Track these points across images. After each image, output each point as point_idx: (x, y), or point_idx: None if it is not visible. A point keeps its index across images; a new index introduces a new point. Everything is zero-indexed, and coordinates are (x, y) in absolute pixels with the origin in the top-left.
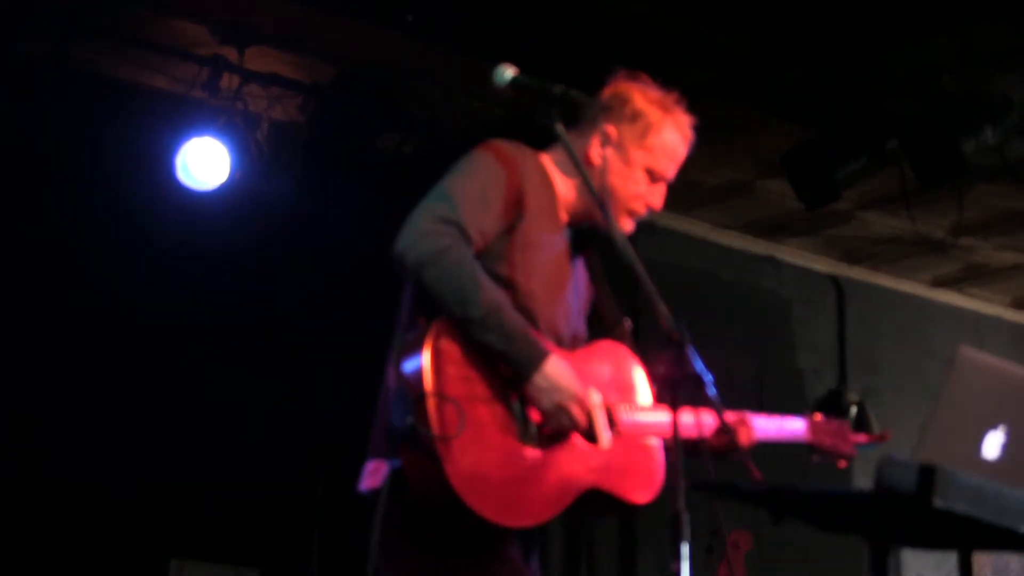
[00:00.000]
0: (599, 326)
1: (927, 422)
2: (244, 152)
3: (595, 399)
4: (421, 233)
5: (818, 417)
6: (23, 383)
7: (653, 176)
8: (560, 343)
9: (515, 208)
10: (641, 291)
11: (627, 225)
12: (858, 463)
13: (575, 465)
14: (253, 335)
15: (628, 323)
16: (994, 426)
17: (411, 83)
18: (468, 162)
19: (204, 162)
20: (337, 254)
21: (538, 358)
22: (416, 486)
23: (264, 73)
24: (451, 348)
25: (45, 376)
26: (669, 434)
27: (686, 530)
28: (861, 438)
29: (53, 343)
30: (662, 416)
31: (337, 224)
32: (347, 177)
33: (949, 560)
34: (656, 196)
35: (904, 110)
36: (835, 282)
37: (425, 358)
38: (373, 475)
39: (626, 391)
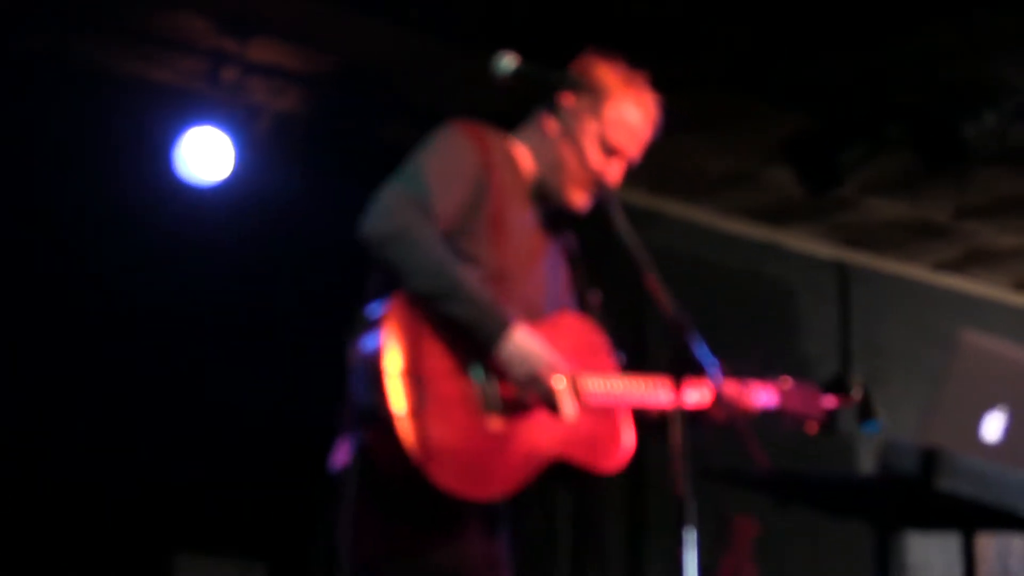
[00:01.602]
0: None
1: (930, 406)
2: (246, 145)
3: (555, 362)
4: (386, 212)
5: (787, 382)
6: (21, 381)
7: (608, 148)
8: (535, 317)
9: (481, 185)
10: (643, 278)
11: (581, 199)
12: (862, 447)
13: (540, 436)
14: (255, 330)
15: (597, 297)
16: (996, 409)
17: (413, 74)
18: (434, 141)
19: (205, 155)
20: (340, 247)
21: (505, 327)
22: (380, 462)
23: (266, 65)
24: (411, 323)
25: (44, 374)
26: (634, 404)
27: (692, 516)
28: (831, 400)
29: (52, 340)
30: (626, 386)
31: (339, 216)
32: (349, 169)
33: (953, 542)
34: (612, 171)
35: (905, 96)
36: (839, 268)
37: (384, 334)
38: (342, 453)
39: (590, 362)
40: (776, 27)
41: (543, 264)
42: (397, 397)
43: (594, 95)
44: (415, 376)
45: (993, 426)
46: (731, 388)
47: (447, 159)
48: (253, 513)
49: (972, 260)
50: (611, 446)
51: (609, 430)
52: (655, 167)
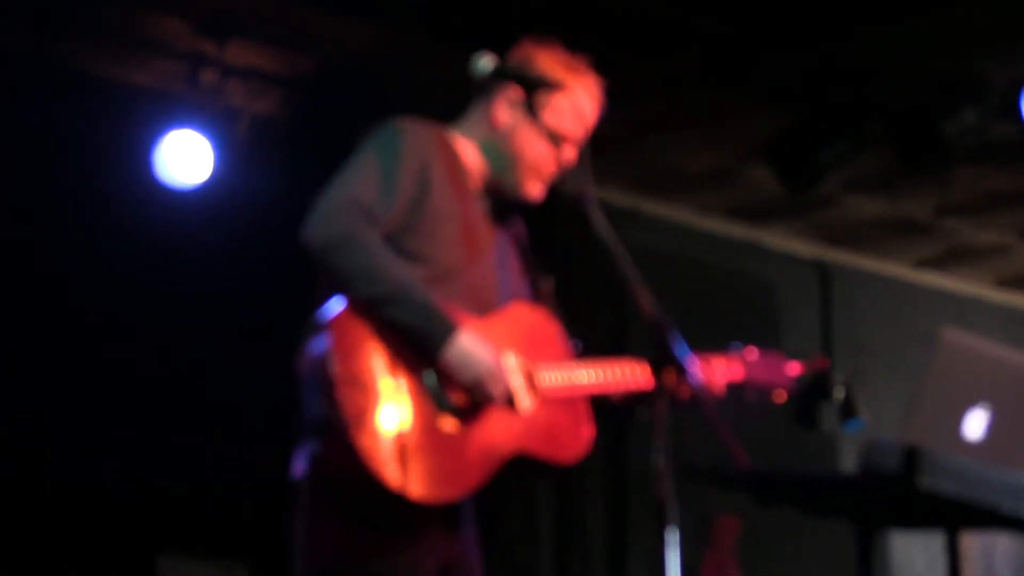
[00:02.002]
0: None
1: (911, 404)
2: (225, 147)
3: (512, 364)
4: (327, 217)
5: (752, 353)
6: (4, 382)
7: (559, 137)
8: (486, 311)
9: (424, 182)
10: (622, 277)
11: (535, 189)
12: (843, 445)
13: (496, 433)
14: (235, 332)
15: (549, 284)
16: (978, 406)
17: (393, 74)
18: (371, 141)
19: (185, 158)
20: None
21: (449, 332)
22: (335, 471)
23: (245, 67)
24: (358, 330)
25: (20, 375)
26: (592, 391)
27: (673, 516)
28: (796, 367)
29: (33, 343)
30: (583, 374)
31: None
32: (330, 170)
33: (937, 541)
34: (564, 158)
35: (884, 93)
36: (819, 266)
37: (331, 342)
38: (299, 462)
39: (544, 351)
40: (755, 24)
41: (492, 256)
42: (348, 405)
43: (541, 84)
44: (365, 383)
45: (975, 424)
46: (695, 365)
47: (388, 158)
48: (235, 514)
49: (953, 258)
50: (571, 436)
51: (568, 420)
52: (634, 166)
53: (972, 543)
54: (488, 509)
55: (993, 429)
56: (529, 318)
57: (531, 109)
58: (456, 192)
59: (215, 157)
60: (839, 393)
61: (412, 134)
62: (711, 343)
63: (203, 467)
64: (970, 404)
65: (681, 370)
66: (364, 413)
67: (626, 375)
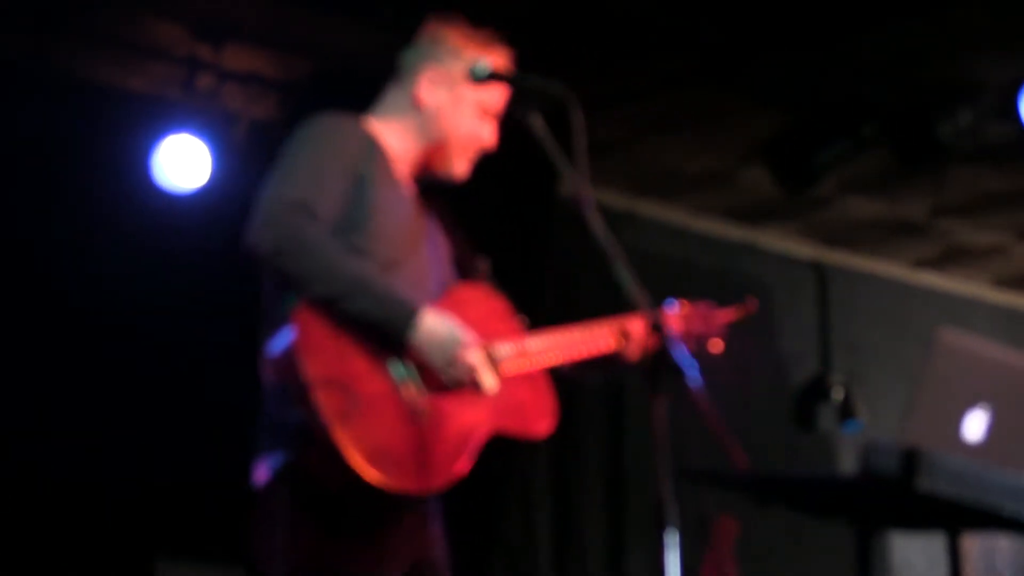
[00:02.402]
0: (458, 271)
1: (909, 405)
2: (222, 152)
3: (468, 339)
4: (270, 221)
5: (685, 306)
6: (3, 385)
7: (484, 110)
8: (428, 298)
9: (353, 176)
10: (619, 279)
11: (463, 167)
12: (842, 446)
13: (469, 415)
14: (234, 335)
15: (485, 263)
16: (976, 407)
17: (389, 77)
18: (299, 139)
19: (182, 163)
20: None
21: (413, 315)
22: (319, 478)
23: (241, 71)
24: (320, 330)
25: (26, 378)
26: (551, 362)
27: (672, 518)
28: (727, 314)
29: (31, 346)
30: (538, 344)
31: None
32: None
33: (937, 543)
34: (488, 132)
35: (880, 94)
36: (816, 267)
37: (298, 347)
38: (262, 470)
39: (497, 329)
40: (751, 25)
41: (426, 243)
42: (327, 409)
43: (461, 61)
44: (339, 383)
45: (974, 425)
46: (635, 324)
47: (321, 154)
48: (235, 517)
49: (950, 258)
50: (538, 408)
51: (531, 393)
52: (631, 167)
53: (973, 545)
54: (486, 511)
55: (993, 430)
56: (477, 298)
57: (456, 87)
58: (387, 182)
59: (212, 161)
60: (837, 394)
61: (338, 129)
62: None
63: (202, 470)
64: (969, 405)
65: (679, 373)
66: (346, 414)
67: (582, 342)
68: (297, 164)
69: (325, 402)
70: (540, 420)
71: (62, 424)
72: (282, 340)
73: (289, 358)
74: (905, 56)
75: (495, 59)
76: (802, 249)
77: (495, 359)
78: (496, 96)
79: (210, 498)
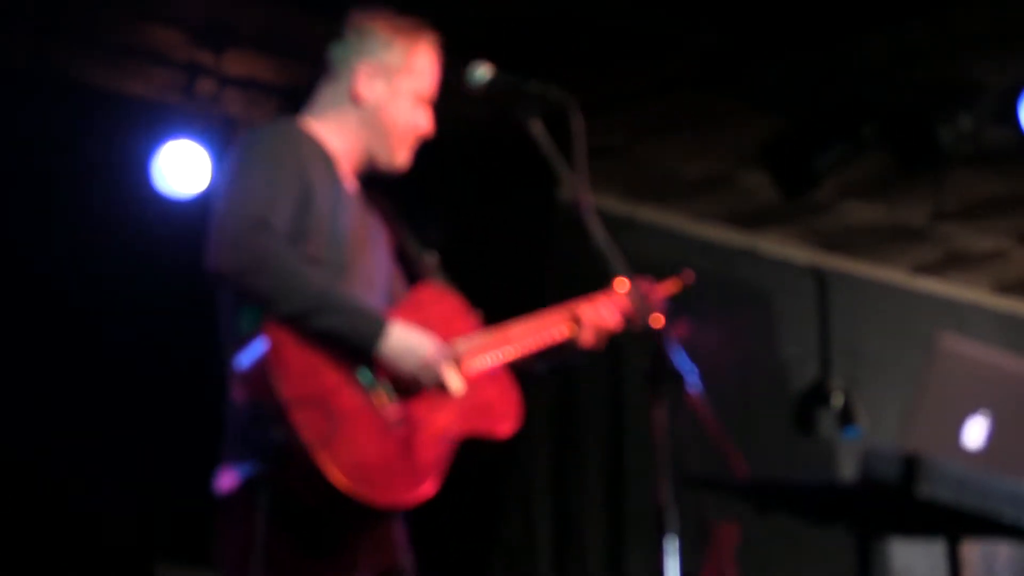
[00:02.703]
0: (404, 264)
1: (909, 411)
2: (223, 157)
3: (433, 344)
4: (232, 241)
5: (624, 285)
6: (2, 391)
7: (420, 99)
8: (380, 297)
9: (301, 183)
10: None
11: (404, 158)
12: (842, 453)
13: (439, 419)
14: None
15: (434, 257)
16: (976, 413)
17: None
18: (247, 152)
19: (182, 168)
20: None
21: (382, 326)
22: (297, 491)
23: (242, 77)
24: (290, 345)
25: (25, 385)
26: (511, 356)
27: (672, 523)
28: (665, 287)
29: (30, 352)
30: (496, 340)
31: None
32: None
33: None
34: (424, 119)
35: (880, 98)
36: (816, 272)
37: (271, 365)
38: (227, 479)
39: (456, 328)
40: (750, 29)
41: (371, 241)
42: (308, 431)
43: (393, 52)
44: (316, 401)
45: (975, 431)
46: (586, 310)
47: (271, 166)
48: None
49: (950, 263)
50: (503, 408)
51: (496, 390)
52: (630, 172)
53: (973, 551)
54: (486, 512)
55: (993, 437)
56: (437, 298)
57: (392, 79)
58: (331, 185)
59: (212, 167)
60: (837, 400)
61: (284, 137)
62: (708, 351)
63: (203, 473)
64: (969, 411)
65: (679, 379)
66: (327, 436)
67: (538, 332)
68: (251, 179)
69: (305, 423)
70: (505, 420)
71: (61, 427)
72: (251, 354)
73: (262, 375)
74: (905, 59)
75: (427, 44)
76: (802, 254)
77: (457, 359)
78: (430, 82)
79: (211, 502)
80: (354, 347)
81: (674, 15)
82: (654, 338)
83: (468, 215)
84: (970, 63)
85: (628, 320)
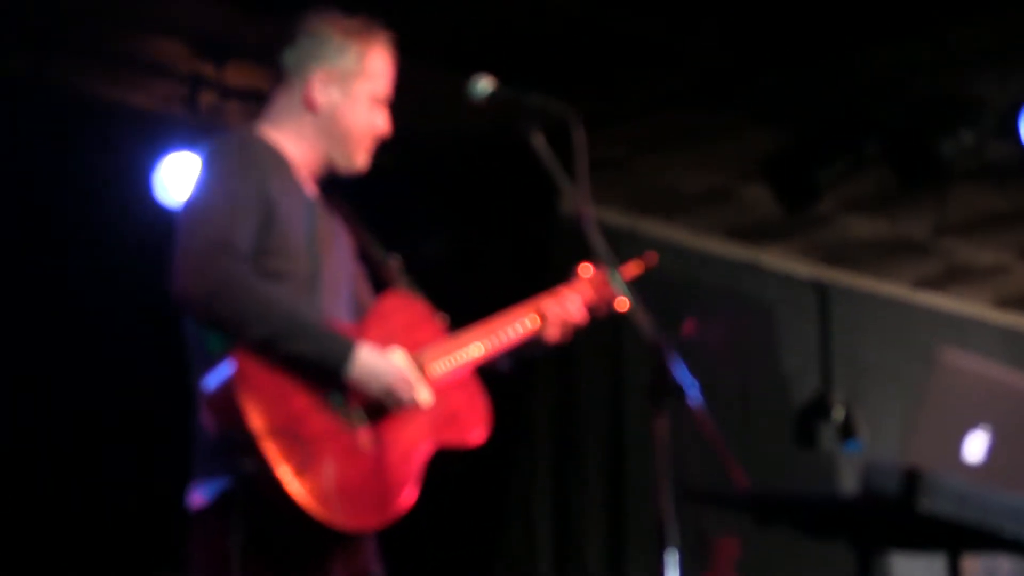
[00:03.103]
0: (368, 267)
1: (911, 425)
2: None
3: (400, 360)
4: (195, 270)
5: (588, 270)
6: (6, 401)
7: (376, 100)
8: (339, 310)
9: (262, 197)
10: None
11: (363, 160)
12: (843, 467)
13: (410, 435)
14: None
15: (398, 261)
16: (978, 428)
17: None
18: (204, 171)
19: (183, 180)
20: None
21: (349, 349)
22: (270, 515)
23: (243, 89)
24: (257, 374)
25: (27, 394)
26: (479, 362)
27: (673, 537)
28: (631, 269)
29: (33, 361)
30: (465, 347)
31: None
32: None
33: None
34: (382, 120)
35: (882, 112)
36: (817, 286)
37: (238, 393)
38: (198, 495)
39: (422, 335)
40: (752, 43)
41: (335, 248)
42: (279, 463)
43: (347, 56)
44: (286, 431)
45: (975, 446)
46: (550, 305)
47: (232, 184)
48: None
49: (952, 277)
50: (473, 415)
51: (464, 397)
52: (632, 186)
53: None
54: (488, 522)
55: (993, 451)
56: (400, 308)
57: (347, 83)
58: (292, 194)
59: None
60: (838, 413)
61: (243, 151)
62: (710, 364)
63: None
64: (970, 426)
65: (680, 391)
66: (299, 467)
67: (503, 331)
68: (211, 200)
69: (276, 455)
70: (475, 428)
71: (63, 436)
72: (218, 378)
73: (229, 402)
74: (906, 75)
75: (380, 43)
76: (803, 268)
77: (425, 371)
78: (384, 81)
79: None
80: (323, 371)
81: (676, 29)
82: (655, 350)
83: (469, 227)
84: (972, 78)
85: (593, 306)
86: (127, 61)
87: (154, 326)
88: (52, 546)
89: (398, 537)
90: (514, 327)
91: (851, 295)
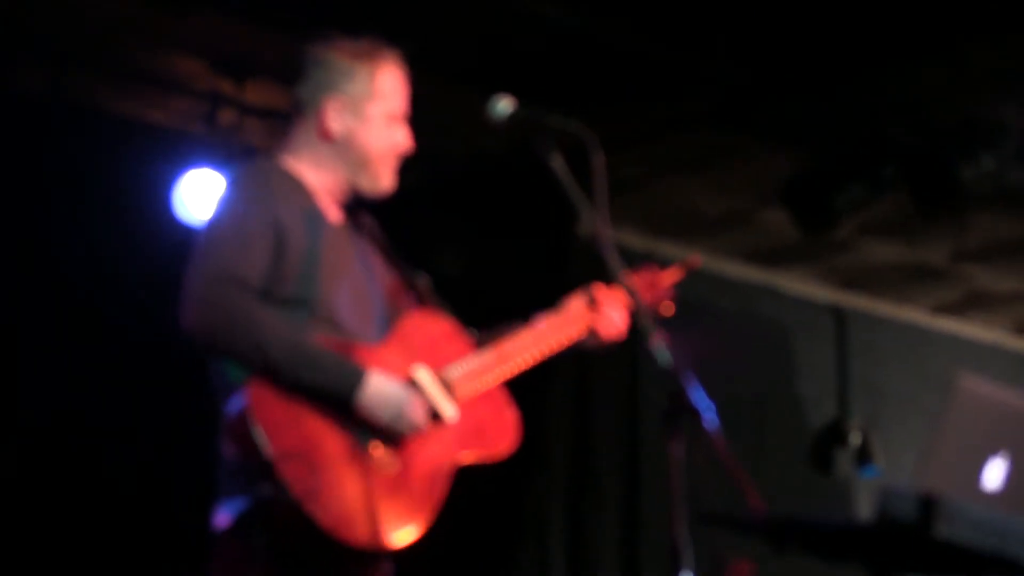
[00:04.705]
0: (398, 291)
1: (928, 451)
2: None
3: (425, 377)
4: (203, 302)
5: (628, 277)
6: (25, 415)
7: (392, 119)
8: (367, 330)
9: (275, 226)
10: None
11: (388, 180)
12: (860, 492)
13: (433, 452)
14: None
15: (425, 280)
16: (996, 455)
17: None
18: (219, 205)
19: (203, 197)
20: None
21: (358, 378)
22: (287, 532)
23: (262, 106)
24: (270, 400)
25: (46, 408)
26: (505, 376)
27: (687, 560)
28: (671, 274)
29: (50, 376)
30: (491, 361)
31: None
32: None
33: None
34: (403, 137)
35: (902, 137)
36: (835, 310)
37: (253, 420)
38: (223, 516)
39: (449, 351)
40: (771, 66)
41: (358, 268)
42: (296, 484)
43: (356, 80)
44: (299, 455)
45: (993, 473)
46: (603, 323)
47: (237, 221)
48: None
49: (970, 303)
50: (500, 426)
51: (491, 411)
52: (650, 208)
53: None
54: (503, 548)
55: (1011, 478)
56: (424, 325)
57: (359, 108)
58: (308, 221)
59: None
60: (855, 439)
61: (255, 182)
62: (726, 388)
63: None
64: (988, 453)
65: (698, 415)
66: (315, 486)
67: (530, 348)
68: (222, 232)
69: (292, 479)
70: (503, 439)
71: (83, 454)
72: (235, 406)
73: (245, 430)
74: (926, 98)
75: (389, 62)
76: (821, 292)
77: (450, 386)
78: (398, 99)
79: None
80: (332, 400)
81: (696, 52)
82: (671, 373)
83: (487, 247)
84: (992, 102)
85: (636, 312)
86: (147, 78)
87: (174, 344)
88: (77, 567)
89: (413, 559)
90: (548, 342)
91: (869, 320)
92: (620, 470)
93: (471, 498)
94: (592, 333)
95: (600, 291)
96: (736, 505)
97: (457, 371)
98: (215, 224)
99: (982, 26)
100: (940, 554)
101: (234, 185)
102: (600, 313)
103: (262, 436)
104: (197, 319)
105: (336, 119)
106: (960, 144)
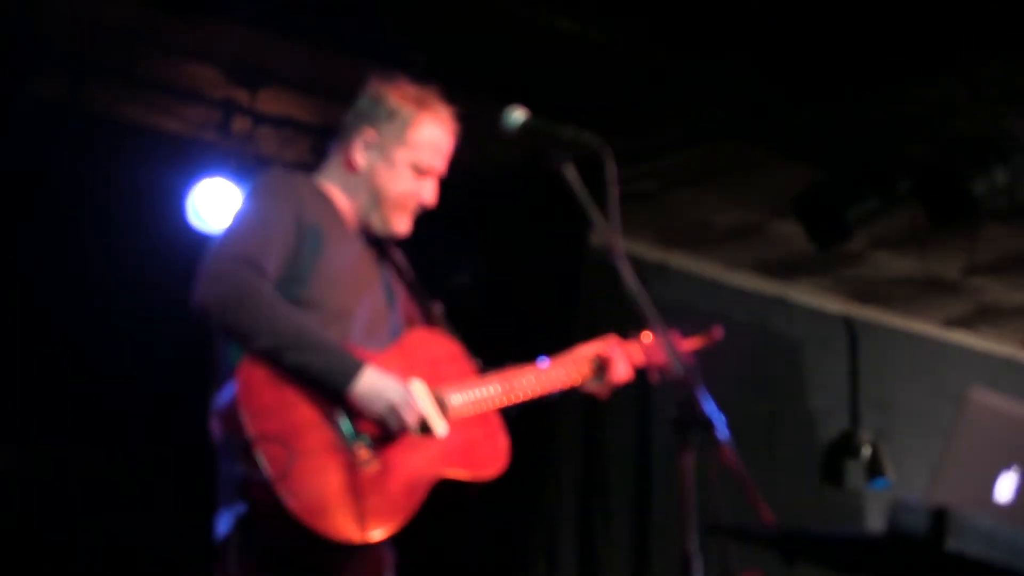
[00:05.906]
0: (414, 316)
1: (939, 464)
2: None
3: (419, 390)
4: (216, 278)
5: (648, 336)
6: (27, 424)
7: (419, 171)
8: (381, 344)
9: (298, 228)
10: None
11: (402, 225)
12: (871, 504)
13: (416, 461)
14: None
15: (440, 307)
16: (1007, 468)
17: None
18: (248, 196)
19: (216, 205)
20: None
21: (355, 368)
22: (266, 531)
23: (276, 115)
24: (262, 383)
25: (57, 418)
26: (501, 403)
27: (698, 572)
28: (692, 343)
29: (61, 385)
30: (489, 388)
31: None
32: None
33: None
34: (426, 191)
35: (915, 151)
36: (847, 323)
37: (239, 402)
38: (222, 523)
39: (449, 372)
40: (785, 80)
41: (379, 291)
42: (270, 464)
43: (395, 122)
44: (279, 438)
45: (1006, 486)
46: (616, 369)
47: (262, 213)
48: None
49: (983, 317)
50: (489, 450)
51: (483, 435)
52: (662, 220)
53: None
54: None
55: (1023, 491)
56: (427, 343)
57: (387, 148)
58: (332, 234)
59: None
60: (866, 451)
61: (286, 183)
62: (738, 399)
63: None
64: (1000, 466)
65: (707, 427)
66: (288, 469)
67: (530, 383)
68: (245, 220)
69: (265, 458)
70: (491, 463)
71: (94, 463)
72: (227, 394)
73: (233, 411)
74: (939, 112)
75: (437, 118)
76: (833, 304)
77: (444, 404)
78: (432, 153)
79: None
80: (327, 386)
81: (709, 66)
82: (682, 386)
83: (500, 258)
84: (1005, 117)
85: (651, 371)
86: (161, 87)
87: (189, 350)
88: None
89: (422, 571)
90: (550, 378)
91: (881, 332)
92: (631, 481)
93: (482, 510)
94: (595, 381)
95: (611, 347)
96: (747, 517)
97: (453, 391)
98: (240, 215)
99: (995, 44)
100: (951, 567)
101: (262, 183)
102: (608, 371)
103: (245, 415)
104: (209, 292)
105: (362, 153)
106: (973, 159)
